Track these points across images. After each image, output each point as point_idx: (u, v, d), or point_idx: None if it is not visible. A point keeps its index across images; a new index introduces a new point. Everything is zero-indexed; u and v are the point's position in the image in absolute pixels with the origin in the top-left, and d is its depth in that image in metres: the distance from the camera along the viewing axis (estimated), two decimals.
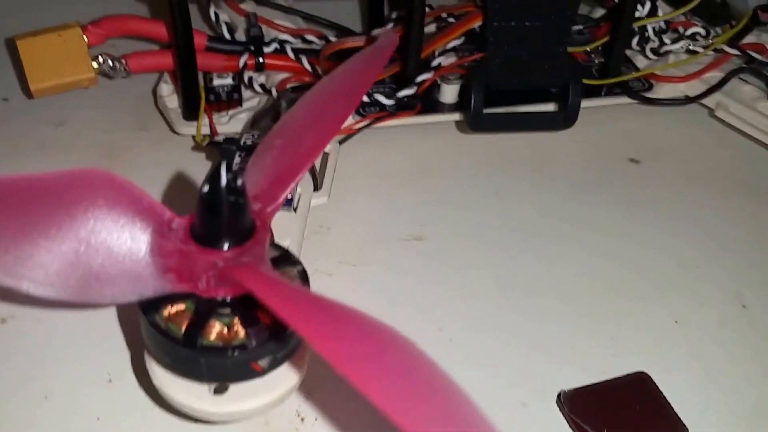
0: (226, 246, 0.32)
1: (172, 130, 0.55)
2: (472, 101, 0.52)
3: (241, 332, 0.33)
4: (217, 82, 0.55)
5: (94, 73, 0.53)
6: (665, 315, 0.46)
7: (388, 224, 0.51)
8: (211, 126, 0.52)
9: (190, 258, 0.32)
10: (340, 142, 0.54)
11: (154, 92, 0.58)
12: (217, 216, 0.31)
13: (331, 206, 0.51)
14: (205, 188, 0.31)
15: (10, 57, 0.62)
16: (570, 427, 0.39)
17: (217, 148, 0.46)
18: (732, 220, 0.52)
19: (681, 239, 0.51)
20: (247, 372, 0.33)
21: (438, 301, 0.46)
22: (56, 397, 0.40)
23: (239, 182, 0.31)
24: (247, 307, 0.33)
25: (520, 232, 0.51)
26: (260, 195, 0.34)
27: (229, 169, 0.31)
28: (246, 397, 0.34)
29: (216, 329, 0.33)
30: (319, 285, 0.42)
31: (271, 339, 0.33)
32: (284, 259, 0.36)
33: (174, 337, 0.32)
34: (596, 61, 0.61)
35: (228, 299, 0.33)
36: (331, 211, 0.51)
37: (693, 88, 0.58)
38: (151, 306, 0.33)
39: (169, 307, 0.33)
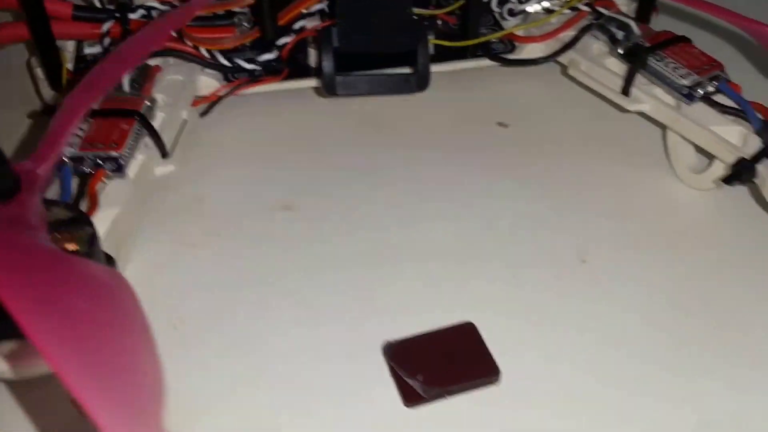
0: None
1: (42, 101, 0.56)
2: (323, 65, 0.52)
3: None
4: (88, 50, 0.56)
5: None
6: (506, 269, 0.47)
7: (258, 194, 0.52)
8: None
9: None
10: (205, 111, 0.55)
11: (28, 64, 0.58)
12: None
13: (203, 177, 0.53)
14: None
15: None
16: (390, 375, 0.41)
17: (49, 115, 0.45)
18: (585, 180, 0.54)
19: (537, 200, 0.52)
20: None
21: (292, 266, 0.47)
22: None
23: None
24: None
25: (384, 197, 0.52)
26: (36, 155, 0.35)
27: None
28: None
29: None
30: (181, 256, 0.46)
31: None
32: (75, 221, 0.36)
33: None
34: None
35: None
36: (203, 182, 0.52)
37: (552, 48, 0.59)
38: None
39: None
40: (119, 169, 0.45)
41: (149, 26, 0.44)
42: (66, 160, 0.44)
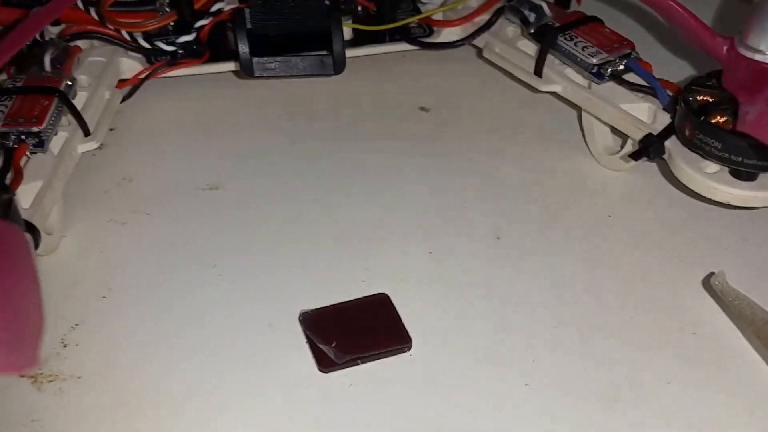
0: None
1: None
2: (238, 47, 0.54)
3: None
4: None
5: None
6: (421, 247, 0.49)
7: (187, 174, 0.54)
8: (9, 77, 0.54)
9: None
10: (127, 96, 0.57)
11: None
12: None
13: (133, 158, 0.55)
14: None
15: None
16: (306, 342, 0.43)
17: None
18: (500, 160, 0.56)
19: (454, 181, 0.54)
20: None
21: (216, 242, 0.49)
22: None
23: None
24: None
25: (306, 178, 0.55)
26: None
27: None
28: None
29: None
30: (111, 232, 0.49)
31: None
32: None
33: None
34: None
35: None
36: (133, 162, 0.55)
37: (468, 31, 0.61)
38: None
39: None
40: (41, 144, 0.47)
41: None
42: None
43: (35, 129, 0.46)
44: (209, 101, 0.60)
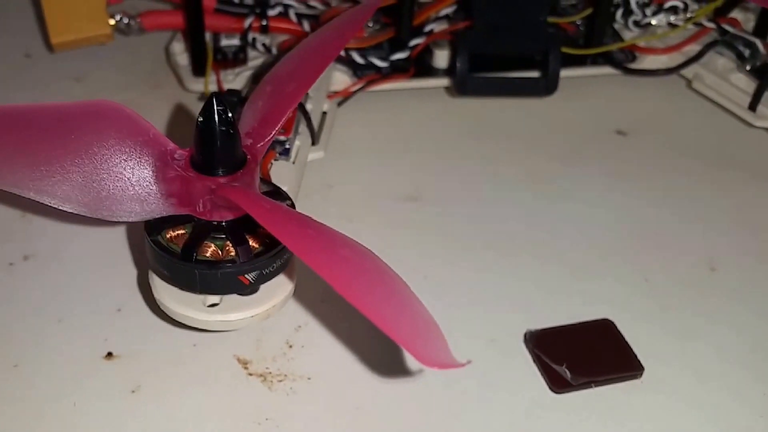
0: (220, 173, 0.38)
1: (183, 87, 0.62)
2: (457, 65, 0.58)
3: (232, 252, 0.39)
4: (224, 42, 0.62)
5: (110, 29, 0.60)
6: (636, 273, 0.51)
7: (384, 185, 0.57)
8: (218, 82, 0.59)
9: (189, 183, 0.38)
10: (339, 104, 0.61)
11: (167, 50, 0.65)
12: (211, 142, 0.38)
13: (333, 166, 0.58)
14: (201, 117, 0.37)
15: (35, 13, 0.69)
16: (533, 360, 0.46)
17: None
18: (709, 191, 0.58)
19: (660, 208, 0.56)
20: (236, 284, 0.40)
21: (423, 253, 0.52)
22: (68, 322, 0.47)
23: (229, 114, 0.37)
24: (236, 229, 0.40)
25: (507, 195, 0.57)
26: (251, 133, 0.41)
27: (220, 102, 0.37)
28: (235, 309, 0.41)
29: (210, 249, 0.40)
30: None
31: (257, 257, 0.39)
32: (274, 194, 0.43)
33: (174, 252, 0.39)
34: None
35: (221, 223, 0.40)
36: (333, 170, 0.57)
37: (674, 60, 0.64)
38: (154, 228, 0.40)
39: (171, 231, 0.40)
40: (286, 152, 0.51)
41: (339, 19, 0.48)
42: None
43: (283, 138, 0.51)
44: (403, 115, 0.64)
